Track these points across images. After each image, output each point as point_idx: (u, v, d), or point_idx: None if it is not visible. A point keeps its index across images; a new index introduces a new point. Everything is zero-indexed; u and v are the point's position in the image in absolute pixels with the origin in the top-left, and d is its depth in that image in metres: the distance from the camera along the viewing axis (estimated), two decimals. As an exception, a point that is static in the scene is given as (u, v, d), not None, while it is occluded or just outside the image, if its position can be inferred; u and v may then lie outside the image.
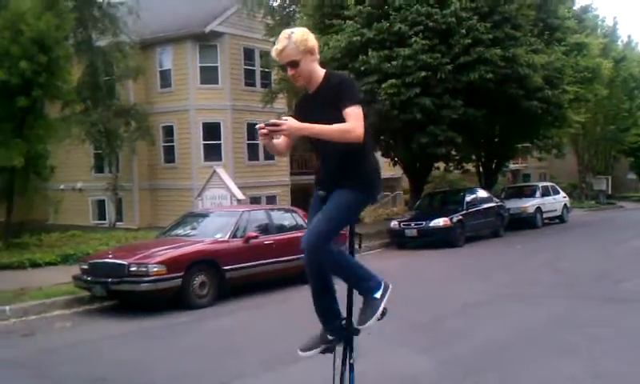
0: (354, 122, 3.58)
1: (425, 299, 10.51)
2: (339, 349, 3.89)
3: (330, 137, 3.58)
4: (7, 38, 15.27)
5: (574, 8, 26.57)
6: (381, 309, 3.75)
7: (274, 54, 3.76)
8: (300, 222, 12.71)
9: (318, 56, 3.82)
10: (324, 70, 3.85)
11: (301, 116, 3.75)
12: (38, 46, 15.32)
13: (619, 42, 40.50)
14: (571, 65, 21.93)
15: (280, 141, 3.81)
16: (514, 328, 8.16)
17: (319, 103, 3.75)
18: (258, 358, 7.26)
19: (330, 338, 3.89)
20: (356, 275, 3.82)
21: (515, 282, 12.06)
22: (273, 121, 3.53)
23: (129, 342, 8.55)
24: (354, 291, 3.88)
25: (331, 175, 3.78)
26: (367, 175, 3.81)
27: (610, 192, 41.46)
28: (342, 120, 3.61)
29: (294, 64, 3.72)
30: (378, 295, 3.78)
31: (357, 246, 4.02)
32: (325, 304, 3.89)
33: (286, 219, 13.21)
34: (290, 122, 3.50)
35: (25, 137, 16.40)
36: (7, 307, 10.21)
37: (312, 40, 3.77)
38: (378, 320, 3.75)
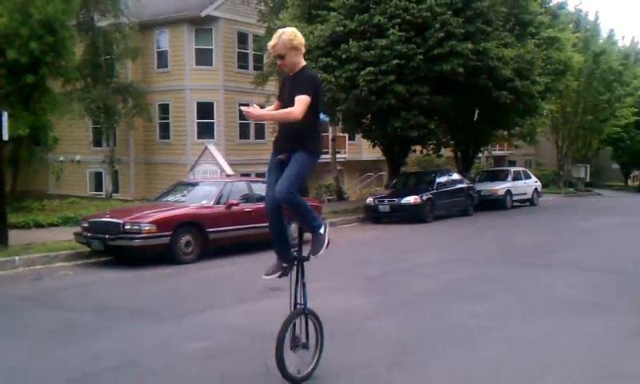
0: (296, 106, 4.89)
1: (381, 261, 12.16)
2: (292, 273, 5.17)
3: (276, 118, 5.08)
4: (18, 20, 16.78)
5: (550, 4, 27.94)
6: (326, 241, 5.13)
7: (268, 47, 5.06)
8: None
9: (303, 50, 5.11)
10: (304, 63, 5.17)
11: (282, 90, 5.21)
12: (45, 28, 16.84)
13: (601, 36, 41.92)
14: (542, 57, 23.29)
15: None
16: (444, 282, 9.79)
17: (293, 86, 5.04)
18: (231, 296, 8.93)
19: (284, 265, 5.23)
20: (310, 216, 5.16)
21: (464, 250, 13.71)
22: (244, 108, 4.89)
23: (123, 285, 10.19)
24: (303, 229, 5.26)
25: (290, 142, 5.06)
26: (315, 142, 5.18)
27: (588, 180, 43.14)
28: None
29: (282, 57, 4.98)
30: (322, 231, 5.13)
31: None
32: (281, 241, 5.22)
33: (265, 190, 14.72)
34: (253, 111, 4.90)
35: (31, 110, 17.93)
36: (16, 258, 11.71)
37: (297, 39, 5.03)
38: (326, 248, 5.12)
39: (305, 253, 5.19)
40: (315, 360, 5.30)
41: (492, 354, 6.05)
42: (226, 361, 5.87)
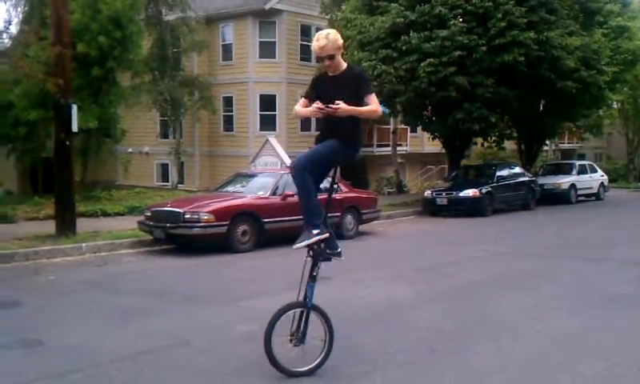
0: (375, 105, 5.06)
1: (432, 254, 12.24)
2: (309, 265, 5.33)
3: (365, 115, 5.04)
4: (88, 16, 17.64)
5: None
6: (311, 241, 5.04)
7: (315, 49, 5.03)
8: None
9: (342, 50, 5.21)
10: (345, 62, 5.21)
11: (319, 90, 5.08)
12: (114, 23, 17.61)
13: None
14: (609, 47, 22.65)
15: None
16: (493, 275, 9.82)
17: (341, 86, 5.07)
18: (282, 284, 9.16)
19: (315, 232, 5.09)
20: (310, 206, 5.05)
21: (520, 244, 13.59)
22: (330, 106, 4.85)
23: (181, 271, 10.66)
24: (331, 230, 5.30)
25: (332, 133, 5.10)
26: (352, 136, 5.19)
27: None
28: (355, 99, 4.94)
29: (332, 57, 5.00)
30: (315, 232, 5.04)
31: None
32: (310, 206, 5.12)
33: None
34: (342, 106, 4.86)
35: (100, 102, 18.74)
36: (83, 244, 12.34)
37: (340, 39, 5.11)
38: (327, 260, 5.26)
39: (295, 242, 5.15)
40: (322, 356, 5.26)
41: (531, 344, 6.10)
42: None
